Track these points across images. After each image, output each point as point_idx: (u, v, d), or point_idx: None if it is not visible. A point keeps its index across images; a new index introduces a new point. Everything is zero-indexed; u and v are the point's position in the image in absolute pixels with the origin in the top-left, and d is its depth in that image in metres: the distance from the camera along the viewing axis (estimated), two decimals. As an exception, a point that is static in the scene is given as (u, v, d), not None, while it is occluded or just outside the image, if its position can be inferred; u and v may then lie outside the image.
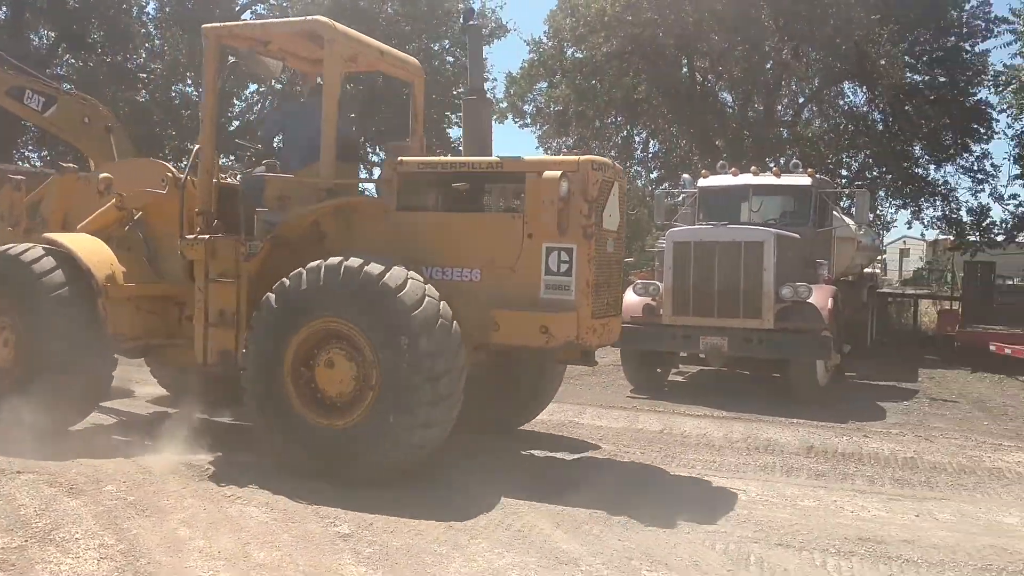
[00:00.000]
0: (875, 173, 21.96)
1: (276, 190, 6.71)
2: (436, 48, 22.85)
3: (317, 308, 5.93)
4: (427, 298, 5.82)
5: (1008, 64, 19.05)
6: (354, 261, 5.88)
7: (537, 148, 22.72)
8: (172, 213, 7.14)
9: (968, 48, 20.63)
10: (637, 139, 22.78)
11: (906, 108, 20.53)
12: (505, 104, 22.80)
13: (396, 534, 5.10)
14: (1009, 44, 19.01)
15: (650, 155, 22.89)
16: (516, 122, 23.09)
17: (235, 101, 23.32)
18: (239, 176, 7.58)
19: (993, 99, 20.49)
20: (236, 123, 23.47)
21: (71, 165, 8.28)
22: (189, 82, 22.70)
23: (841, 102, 22.33)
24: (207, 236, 6.70)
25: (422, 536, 5.08)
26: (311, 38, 6.96)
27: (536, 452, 7.50)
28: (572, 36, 20.25)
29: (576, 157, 6.40)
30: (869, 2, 18.15)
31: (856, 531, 5.52)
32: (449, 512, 5.43)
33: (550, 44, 21.81)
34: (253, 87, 23.17)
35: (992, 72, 20.14)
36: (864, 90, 21.33)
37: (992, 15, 20.31)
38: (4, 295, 6.95)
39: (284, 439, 6.07)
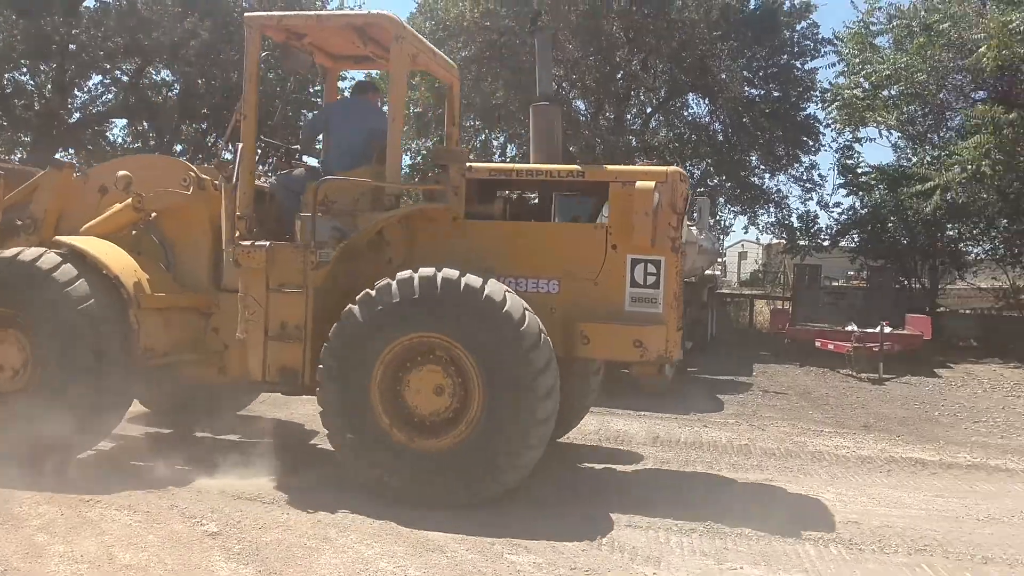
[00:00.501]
0: (715, 181, 23.35)
1: (320, 194, 6.20)
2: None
3: (410, 321, 5.58)
4: (526, 311, 5.58)
5: (832, 82, 20.78)
6: (450, 272, 5.58)
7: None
8: (194, 216, 6.72)
9: (799, 66, 22.29)
10: (495, 144, 23.26)
11: (744, 120, 21.94)
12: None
13: (265, 530, 5.20)
14: (833, 64, 20.74)
15: (508, 160, 23.42)
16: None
17: (76, 92, 22.15)
18: (275, 177, 6.99)
19: (820, 114, 22.28)
20: (77, 115, 22.31)
21: (67, 160, 7.30)
22: (25, 70, 21.37)
23: (685, 113, 23.64)
24: (267, 243, 6.15)
25: (291, 531, 5.21)
26: (362, 34, 6.60)
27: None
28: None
29: (664, 168, 6.22)
30: (711, 20, 19.33)
31: (696, 511, 6.05)
32: (317, 508, 5.57)
33: (409, 46, 21.91)
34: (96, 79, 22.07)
35: (820, 89, 21.90)
36: (706, 102, 22.65)
37: (819, 36, 22.07)
38: (13, 307, 6.14)
39: (371, 462, 5.68)
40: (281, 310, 6.08)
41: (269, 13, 6.68)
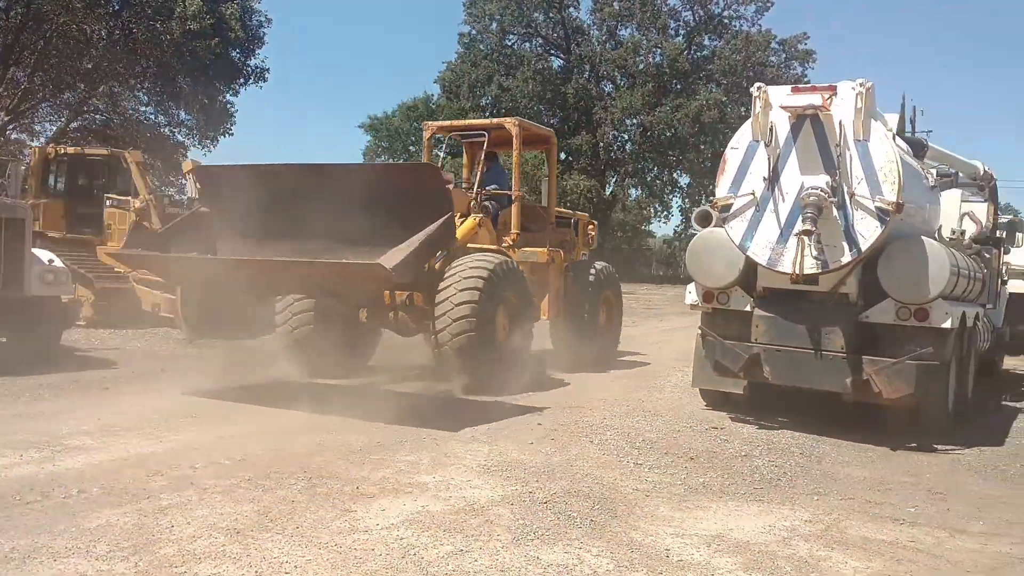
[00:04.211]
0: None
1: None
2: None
3: None
4: None
5: None
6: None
7: None
8: (472, 232, 10.20)
9: None
10: None
11: None
12: None
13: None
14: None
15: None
16: None
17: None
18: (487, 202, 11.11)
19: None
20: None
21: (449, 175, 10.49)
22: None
23: None
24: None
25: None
26: (530, 137, 12.03)
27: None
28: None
29: (586, 215, 14.03)
30: None
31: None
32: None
33: None
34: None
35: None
36: None
37: None
38: (506, 290, 9.46)
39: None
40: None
41: (522, 120, 11.54)
